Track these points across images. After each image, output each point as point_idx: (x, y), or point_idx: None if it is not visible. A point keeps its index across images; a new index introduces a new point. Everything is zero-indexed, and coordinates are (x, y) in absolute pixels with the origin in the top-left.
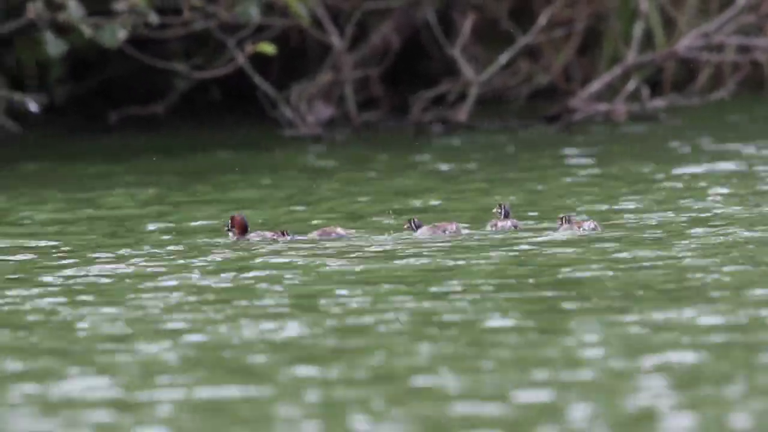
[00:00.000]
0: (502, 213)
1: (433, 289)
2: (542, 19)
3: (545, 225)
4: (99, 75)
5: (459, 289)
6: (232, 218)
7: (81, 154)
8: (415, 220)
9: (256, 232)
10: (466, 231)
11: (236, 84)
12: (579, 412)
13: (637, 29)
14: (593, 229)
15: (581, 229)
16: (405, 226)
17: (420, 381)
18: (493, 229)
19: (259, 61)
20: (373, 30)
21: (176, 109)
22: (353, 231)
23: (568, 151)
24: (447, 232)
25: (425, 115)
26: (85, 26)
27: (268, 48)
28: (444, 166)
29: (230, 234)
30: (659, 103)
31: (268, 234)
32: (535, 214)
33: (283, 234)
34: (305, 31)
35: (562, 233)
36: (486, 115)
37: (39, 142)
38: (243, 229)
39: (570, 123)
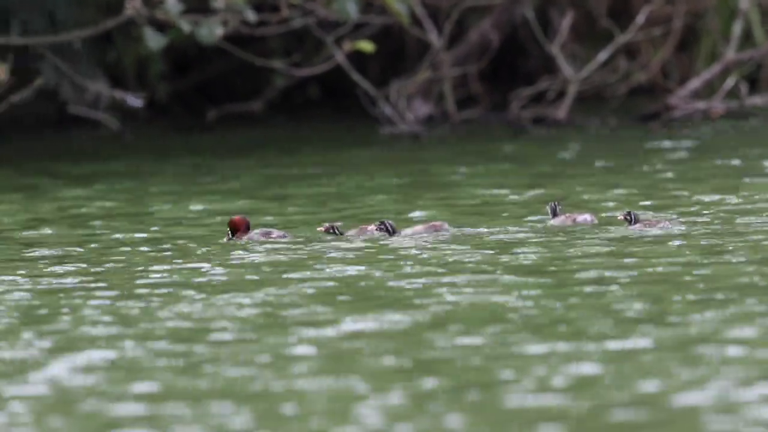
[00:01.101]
0: (551, 211)
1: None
2: (641, 17)
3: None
4: (199, 72)
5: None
6: (232, 221)
7: (182, 150)
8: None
9: (261, 229)
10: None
11: (335, 81)
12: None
13: (737, 27)
14: (665, 228)
15: (652, 228)
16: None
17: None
18: (571, 223)
19: (358, 58)
20: (471, 28)
21: (274, 106)
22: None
23: (663, 147)
24: (442, 232)
25: (524, 112)
26: (184, 22)
27: (366, 46)
28: (540, 162)
29: (228, 236)
30: (758, 100)
31: (275, 232)
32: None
33: (334, 230)
34: (404, 29)
35: (633, 229)
36: (584, 113)
37: (141, 138)
38: (245, 229)
39: (669, 120)
